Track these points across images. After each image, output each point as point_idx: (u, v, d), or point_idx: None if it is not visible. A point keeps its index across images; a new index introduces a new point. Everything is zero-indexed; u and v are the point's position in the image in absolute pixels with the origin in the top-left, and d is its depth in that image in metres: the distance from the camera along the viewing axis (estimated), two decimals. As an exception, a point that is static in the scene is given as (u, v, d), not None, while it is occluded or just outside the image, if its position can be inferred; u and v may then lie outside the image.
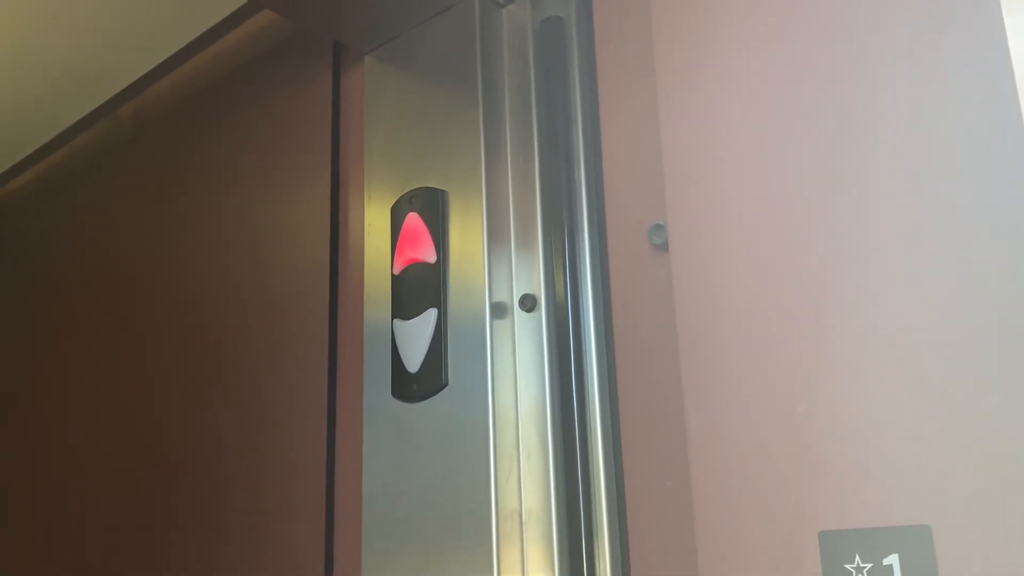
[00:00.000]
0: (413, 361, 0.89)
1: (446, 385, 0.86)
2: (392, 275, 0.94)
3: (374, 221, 0.98)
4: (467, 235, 0.88)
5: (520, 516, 0.80)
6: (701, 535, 0.65)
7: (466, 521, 0.81)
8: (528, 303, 0.85)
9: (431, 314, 0.88)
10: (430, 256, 0.90)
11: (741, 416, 0.65)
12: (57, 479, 1.45)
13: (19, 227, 1.73)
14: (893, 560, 0.56)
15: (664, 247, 0.77)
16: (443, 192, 0.91)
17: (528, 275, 0.86)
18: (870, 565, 0.57)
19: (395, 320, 0.91)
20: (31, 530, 1.48)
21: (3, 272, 1.75)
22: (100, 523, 1.33)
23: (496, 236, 0.87)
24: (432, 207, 0.92)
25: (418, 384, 0.88)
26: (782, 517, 0.61)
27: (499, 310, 0.85)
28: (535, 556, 0.79)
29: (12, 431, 1.59)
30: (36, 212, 1.69)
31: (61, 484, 1.44)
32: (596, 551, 0.77)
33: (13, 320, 1.68)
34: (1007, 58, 0.59)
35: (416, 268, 0.91)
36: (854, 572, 0.57)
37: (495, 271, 0.86)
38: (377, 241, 0.97)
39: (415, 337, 0.89)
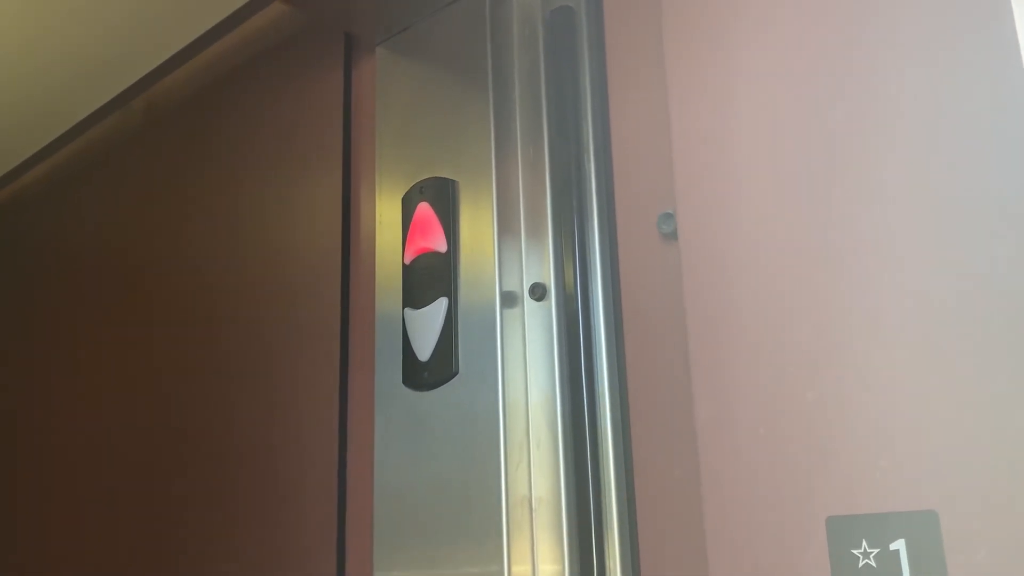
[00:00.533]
0: (424, 350, 0.89)
1: (457, 373, 0.87)
2: (403, 264, 0.94)
3: (385, 211, 0.99)
4: (477, 224, 0.89)
5: (530, 504, 0.80)
6: (710, 521, 0.66)
7: (476, 508, 0.82)
8: (538, 292, 0.85)
9: (442, 303, 0.89)
10: (441, 245, 0.91)
11: (750, 403, 0.65)
12: (70, 464, 1.46)
13: (34, 218, 1.75)
14: (900, 545, 0.57)
15: (673, 236, 0.77)
16: (454, 182, 0.92)
17: (538, 264, 0.86)
18: (877, 550, 0.57)
19: (406, 309, 0.92)
20: (41, 514, 1.50)
21: (19, 263, 1.76)
22: (112, 510, 1.35)
23: (506, 225, 0.88)
24: (443, 197, 0.92)
25: (429, 372, 0.89)
26: (790, 502, 0.62)
27: (509, 299, 0.86)
28: (545, 543, 0.79)
29: (25, 418, 1.61)
30: (50, 204, 1.70)
31: (74, 469, 1.45)
32: (605, 538, 0.78)
33: (28, 310, 1.69)
34: (1017, 49, 0.59)
35: (427, 257, 0.92)
36: (861, 557, 0.58)
37: (505, 260, 0.87)
38: (388, 231, 0.98)
39: (426, 326, 0.90)
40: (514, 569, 0.80)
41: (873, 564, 0.57)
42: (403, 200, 0.96)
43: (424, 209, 0.93)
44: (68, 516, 1.45)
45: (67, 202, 1.66)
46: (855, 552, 0.58)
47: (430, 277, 0.91)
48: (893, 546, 0.57)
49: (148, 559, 1.26)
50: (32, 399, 1.62)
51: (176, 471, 1.26)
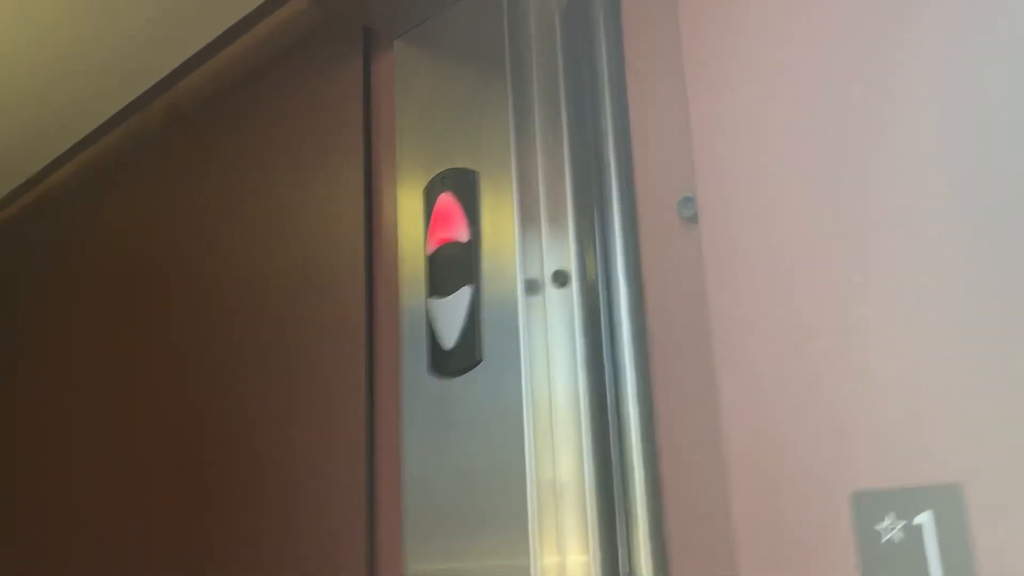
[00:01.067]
0: (449, 338, 0.91)
1: (481, 360, 0.88)
2: (426, 255, 0.95)
3: (407, 202, 1.00)
4: (498, 213, 0.90)
5: (555, 487, 0.81)
6: (735, 501, 0.67)
7: (503, 492, 0.83)
8: (560, 279, 0.86)
9: (465, 292, 0.90)
10: (463, 235, 0.92)
11: (773, 382, 0.66)
12: (94, 464, 1.49)
13: (58, 222, 1.77)
14: (925, 518, 0.57)
15: (694, 219, 0.78)
16: (474, 172, 0.93)
17: (559, 251, 0.87)
18: (902, 523, 0.58)
19: (430, 298, 0.93)
20: (68, 515, 1.52)
21: (43, 266, 1.79)
22: (138, 506, 1.37)
23: (527, 214, 0.88)
24: (464, 187, 0.93)
25: (454, 360, 0.90)
26: (814, 479, 0.62)
27: (531, 287, 0.87)
28: (570, 525, 0.80)
29: (50, 418, 1.63)
30: (74, 207, 1.72)
31: (99, 469, 1.47)
32: (631, 519, 0.79)
33: (52, 312, 1.72)
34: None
35: (449, 247, 0.93)
36: (886, 531, 0.58)
37: (527, 248, 0.88)
38: (410, 222, 0.99)
39: (450, 314, 0.91)
40: (544, 560, 0.80)
41: (898, 538, 0.58)
42: (424, 191, 0.97)
43: (445, 200, 0.94)
44: (95, 516, 1.47)
45: (90, 205, 1.68)
46: (880, 526, 0.59)
47: (453, 266, 0.92)
48: (918, 520, 0.57)
49: (175, 551, 1.28)
50: (55, 401, 1.64)
51: (203, 465, 1.27)
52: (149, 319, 1.45)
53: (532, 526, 0.81)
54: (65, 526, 1.55)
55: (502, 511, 0.83)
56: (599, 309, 0.84)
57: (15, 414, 1.75)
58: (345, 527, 1.04)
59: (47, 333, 1.73)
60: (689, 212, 0.79)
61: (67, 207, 1.75)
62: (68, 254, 1.72)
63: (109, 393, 1.51)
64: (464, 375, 0.89)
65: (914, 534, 0.58)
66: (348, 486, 1.05)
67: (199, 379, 1.32)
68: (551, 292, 0.87)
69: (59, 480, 1.59)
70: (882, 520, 0.59)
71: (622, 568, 0.79)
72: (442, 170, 0.96)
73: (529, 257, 0.88)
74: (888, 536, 0.58)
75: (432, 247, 0.95)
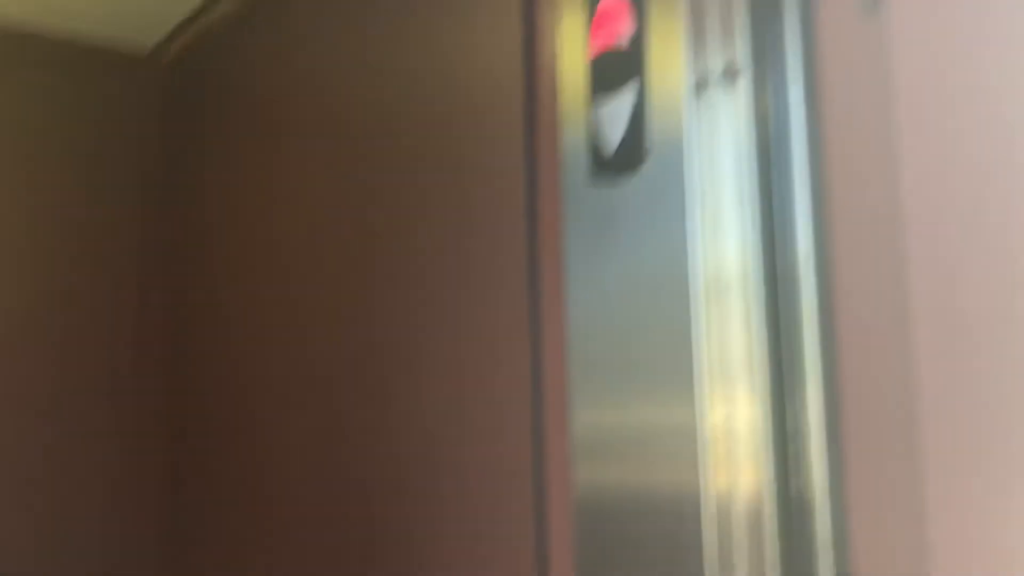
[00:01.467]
0: (613, 137, 0.91)
1: (646, 159, 0.88)
2: (588, 54, 0.94)
3: (568, 1, 0.98)
4: (666, 7, 0.88)
5: (719, 283, 0.82)
6: (915, 299, 0.66)
7: (667, 287, 0.85)
8: (730, 75, 0.84)
9: (631, 88, 0.89)
10: (628, 32, 0.90)
11: (960, 166, 0.64)
12: (277, 316, 1.58)
13: (221, 57, 1.80)
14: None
15: (876, 7, 0.74)
16: (641, -33, 0.90)
17: (730, 47, 0.85)
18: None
19: (594, 97, 0.93)
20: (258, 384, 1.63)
21: (208, 103, 1.84)
22: (318, 331, 1.45)
23: (696, 8, 0.86)
24: (629, -17, 0.91)
25: (618, 160, 0.90)
26: (997, 263, 0.61)
27: (700, 83, 0.85)
28: (735, 321, 0.81)
29: (224, 261, 1.73)
30: (239, 41, 1.75)
31: (277, 317, 1.57)
32: (799, 311, 0.79)
33: (223, 150, 1.78)
34: None
35: (615, 46, 0.92)
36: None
37: (696, 45, 0.86)
38: (573, 21, 0.98)
39: (614, 113, 0.91)
40: (714, 412, 0.81)
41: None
42: (588, -13, 0.96)
43: (610, -3, 0.93)
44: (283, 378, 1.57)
45: (256, 38, 1.69)
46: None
47: (618, 64, 0.91)
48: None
49: (353, 389, 1.37)
50: (227, 245, 1.73)
51: (372, 302, 1.34)
52: (317, 157, 1.49)
53: (696, 312, 0.81)
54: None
55: (666, 299, 0.84)
56: (770, 106, 0.82)
57: (188, 257, 1.86)
58: (509, 368, 1.07)
59: (218, 176, 1.80)
60: (873, 0, 0.75)
61: (231, 42, 1.77)
62: (233, 92, 1.76)
63: (282, 232, 1.59)
64: (628, 175, 0.90)
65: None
66: (511, 320, 1.07)
67: (363, 211, 1.37)
68: (720, 89, 0.85)
69: (236, 342, 1.70)
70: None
71: (789, 415, 0.79)
72: (606, -33, 0.94)
73: (698, 54, 0.86)
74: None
75: (596, 46, 0.94)
